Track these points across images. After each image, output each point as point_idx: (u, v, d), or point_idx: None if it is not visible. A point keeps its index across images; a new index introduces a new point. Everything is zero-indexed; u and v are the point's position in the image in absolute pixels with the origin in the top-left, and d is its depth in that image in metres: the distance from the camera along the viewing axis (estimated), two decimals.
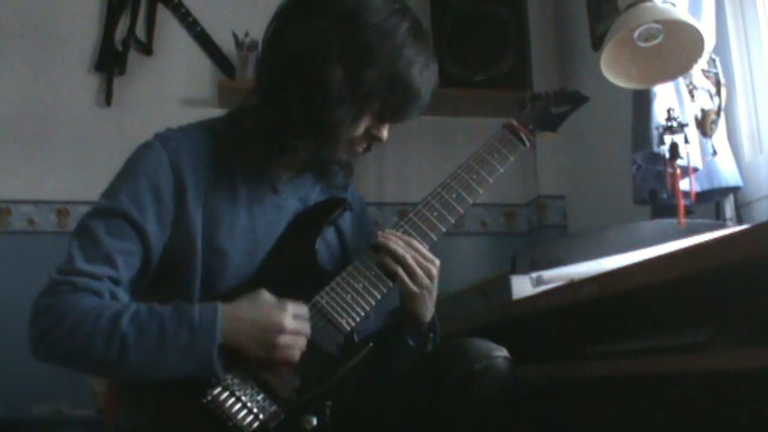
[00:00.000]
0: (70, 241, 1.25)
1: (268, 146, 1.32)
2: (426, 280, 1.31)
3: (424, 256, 1.31)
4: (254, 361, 1.21)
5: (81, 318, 1.17)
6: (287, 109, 1.28)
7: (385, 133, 1.34)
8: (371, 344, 1.28)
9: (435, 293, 1.35)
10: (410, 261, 1.30)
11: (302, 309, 1.24)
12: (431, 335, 1.39)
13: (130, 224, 1.24)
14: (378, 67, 1.27)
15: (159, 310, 1.19)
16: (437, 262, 1.33)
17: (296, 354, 1.22)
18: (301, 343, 1.22)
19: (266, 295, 1.23)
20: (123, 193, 1.26)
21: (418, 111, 1.34)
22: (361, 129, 1.31)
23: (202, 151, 1.32)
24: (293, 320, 1.21)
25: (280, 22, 1.33)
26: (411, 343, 1.37)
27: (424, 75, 1.30)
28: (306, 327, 1.23)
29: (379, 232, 1.33)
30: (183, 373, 1.18)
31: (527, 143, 1.46)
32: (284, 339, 1.20)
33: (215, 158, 1.33)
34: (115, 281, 1.23)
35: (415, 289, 1.31)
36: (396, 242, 1.31)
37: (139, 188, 1.26)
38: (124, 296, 1.24)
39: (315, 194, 1.42)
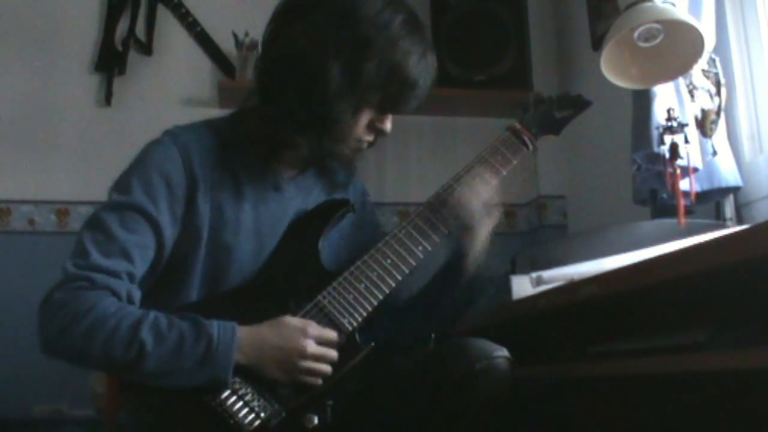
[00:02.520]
0: (82, 233, 1.24)
1: (270, 143, 1.33)
2: None
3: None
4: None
5: (101, 320, 1.16)
6: (287, 105, 1.28)
7: (388, 125, 1.35)
8: (372, 344, 1.29)
9: None
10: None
11: (329, 333, 1.25)
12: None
13: (144, 218, 1.24)
14: (375, 59, 1.28)
15: (178, 322, 1.19)
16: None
17: (317, 380, 1.23)
18: (324, 369, 1.23)
19: (290, 320, 1.24)
20: (136, 186, 1.26)
21: (417, 101, 1.35)
22: (363, 122, 1.32)
23: (209, 149, 1.33)
24: (316, 345, 1.22)
25: (276, 23, 1.34)
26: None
27: (421, 65, 1.31)
28: (330, 353, 1.24)
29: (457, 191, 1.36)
30: (194, 385, 1.18)
31: (530, 146, 1.47)
32: (306, 364, 1.21)
33: (221, 156, 1.33)
34: (132, 276, 1.23)
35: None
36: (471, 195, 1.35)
37: (152, 182, 1.26)
38: (137, 293, 1.24)
39: (317, 193, 1.43)
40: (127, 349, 1.16)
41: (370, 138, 1.36)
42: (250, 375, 1.21)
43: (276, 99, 1.30)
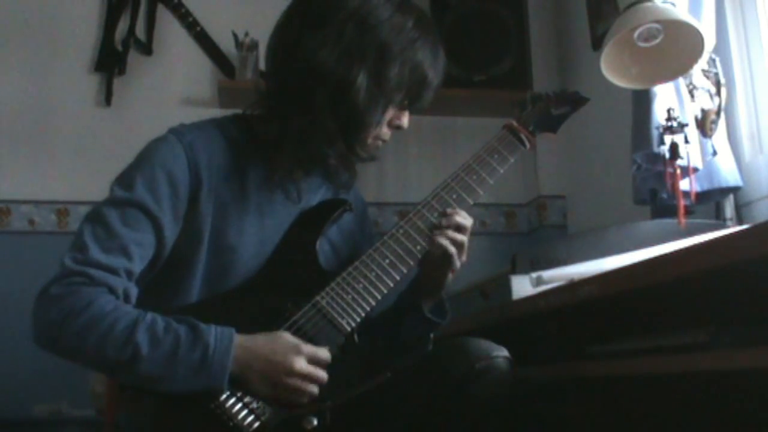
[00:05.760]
0: (82, 227, 1.23)
1: (295, 155, 1.32)
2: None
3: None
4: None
5: (96, 319, 1.15)
6: (317, 117, 1.28)
7: (406, 120, 1.37)
8: (389, 374, 1.26)
9: None
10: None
11: (322, 353, 1.23)
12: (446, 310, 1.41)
13: (146, 215, 1.23)
14: (398, 62, 1.29)
15: (174, 326, 1.18)
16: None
17: (302, 399, 1.21)
18: (310, 389, 1.21)
19: (286, 336, 1.22)
20: (139, 183, 1.25)
21: (433, 96, 1.37)
22: (385, 122, 1.34)
23: (216, 148, 1.32)
24: (306, 364, 1.20)
25: (289, 33, 1.32)
26: (431, 317, 1.38)
27: (436, 62, 1.34)
28: (320, 373, 1.22)
29: (448, 210, 1.34)
30: (188, 391, 1.17)
31: (527, 144, 1.46)
32: (292, 381, 1.19)
33: (227, 157, 1.32)
34: (130, 274, 1.22)
35: (458, 263, 1.34)
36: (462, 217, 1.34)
37: (156, 180, 1.25)
38: (134, 291, 1.23)
39: (321, 194, 1.42)
40: (121, 351, 1.15)
41: (388, 136, 1.37)
42: (238, 384, 1.20)
43: (304, 109, 1.29)
